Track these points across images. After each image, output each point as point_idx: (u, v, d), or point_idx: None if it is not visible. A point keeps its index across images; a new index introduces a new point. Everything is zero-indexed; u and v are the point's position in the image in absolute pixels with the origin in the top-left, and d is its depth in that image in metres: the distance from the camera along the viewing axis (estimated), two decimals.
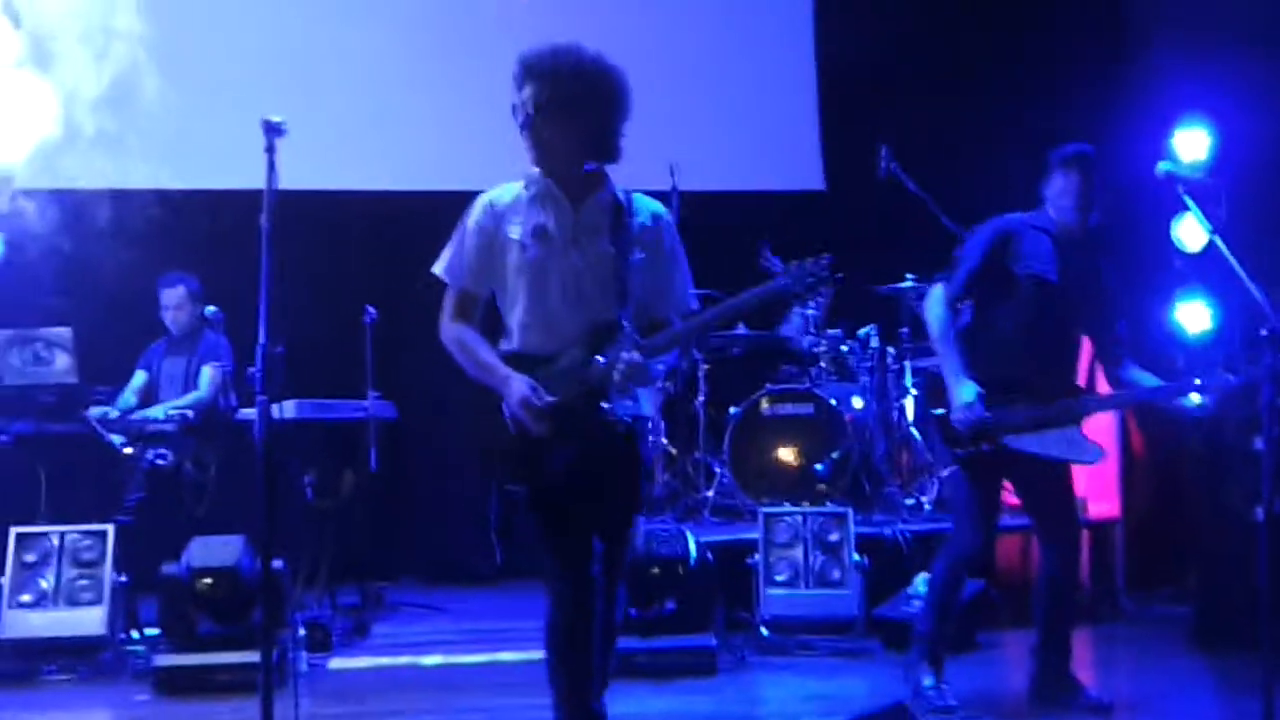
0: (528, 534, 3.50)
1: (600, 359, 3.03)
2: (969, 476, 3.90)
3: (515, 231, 3.13)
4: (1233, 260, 3.42)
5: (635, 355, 2.99)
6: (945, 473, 3.88)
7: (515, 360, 3.11)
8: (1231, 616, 4.78)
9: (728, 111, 7.28)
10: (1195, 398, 3.83)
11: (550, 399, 3.01)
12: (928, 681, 3.92)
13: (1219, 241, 3.52)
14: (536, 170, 3.14)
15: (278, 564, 4.45)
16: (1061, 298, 3.89)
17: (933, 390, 3.95)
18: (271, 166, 3.12)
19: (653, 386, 3.14)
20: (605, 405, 3.04)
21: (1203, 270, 5.74)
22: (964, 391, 3.76)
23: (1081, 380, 4.18)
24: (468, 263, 3.19)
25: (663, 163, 6.11)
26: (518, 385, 3.01)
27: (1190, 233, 5.65)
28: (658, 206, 3.25)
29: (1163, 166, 3.66)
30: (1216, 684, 4.49)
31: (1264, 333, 3.27)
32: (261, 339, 2.91)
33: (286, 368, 4.32)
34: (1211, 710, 4.15)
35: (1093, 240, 4.00)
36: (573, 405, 3.03)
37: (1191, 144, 5.77)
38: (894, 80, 7.02)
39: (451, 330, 3.20)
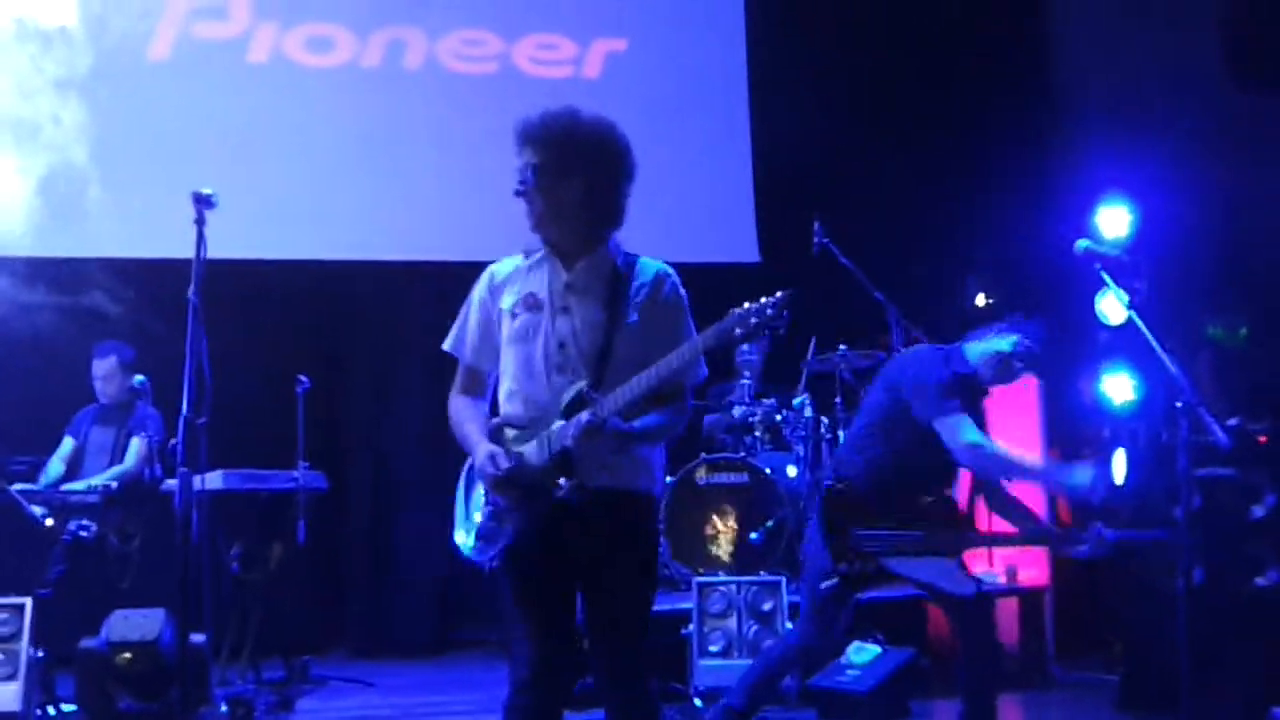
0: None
1: (562, 423, 2.86)
2: (836, 590, 3.93)
3: (508, 302, 3.04)
4: (1148, 334, 3.51)
5: (588, 416, 2.79)
6: (825, 585, 3.94)
7: (497, 430, 2.99)
8: (1156, 683, 4.84)
9: (662, 183, 7.32)
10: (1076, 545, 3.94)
11: (507, 465, 2.86)
12: None
13: (1135, 317, 3.61)
14: (538, 239, 3.04)
15: (200, 638, 4.36)
16: None
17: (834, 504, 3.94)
18: (201, 238, 3.11)
19: (638, 454, 2.93)
20: (562, 480, 2.83)
21: (1126, 342, 5.87)
22: (1082, 474, 3.86)
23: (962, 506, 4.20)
24: (468, 337, 3.11)
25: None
26: (481, 451, 2.91)
27: (1112, 306, 5.79)
28: (661, 267, 3.07)
29: (1081, 244, 3.75)
30: None
31: (1179, 404, 3.35)
32: (184, 410, 2.88)
33: (213, 438, 4.28)
34: None
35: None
36: (538, 472, 2.87)
37: (1113, 220, 5.95)
38: (828, 154, 7.18)
39: (452, 404, 3.09)
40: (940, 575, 3.90)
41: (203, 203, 3.09)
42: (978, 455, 3.87)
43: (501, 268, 3.12)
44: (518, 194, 2.99)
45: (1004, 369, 4.09)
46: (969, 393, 4.01)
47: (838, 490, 3.94)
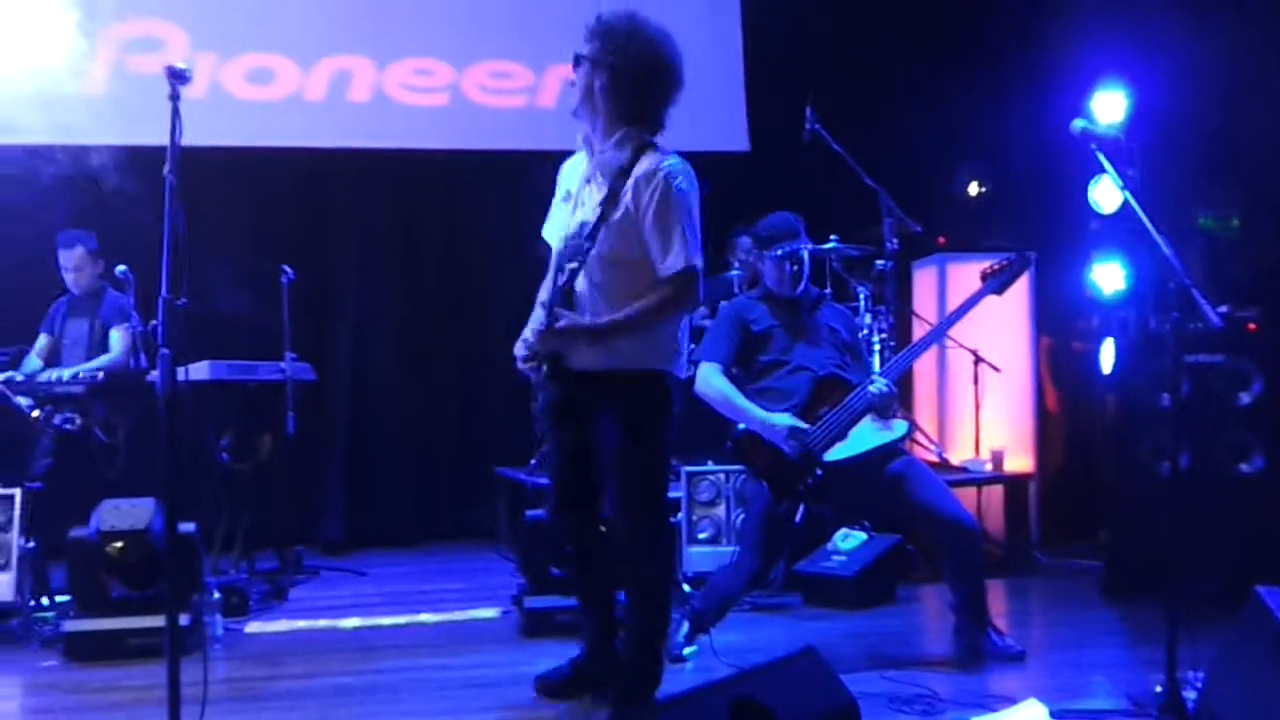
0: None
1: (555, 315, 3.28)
2: (776, 507, 4.03)
3: (560, 191, 3.48)
4: (1144, 217, 3.46)
5: (544, 322, 3.28)
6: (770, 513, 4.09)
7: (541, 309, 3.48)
8: (1140, 569, 4.91)
9: None
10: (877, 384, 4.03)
11: (523, 348, 3.36)
12: (683, 632, 4.13)
13: (1131, 199, 3.55)
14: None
15: (189, 527, 4.37)
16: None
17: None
18: (176, 114, 3.01)
19: (626, 340, 3.26)
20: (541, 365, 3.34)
21: (1117, 232, 5.83)
22: (782, 420, 3.95)
23: None
24: (547, 221, 3.53)
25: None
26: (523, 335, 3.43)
27: (1106, 194, 5.73)
28: (661, 164, 3.22)
29: (1078, 124, 3.66)
30: (1125, 633, 4.60)
31: (1172, 287, 3.31)
32: (164, 291, 2.82)
33: (200, 329, 4.23)
34: (1120, 658, 4.25)
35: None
36: (547, 356, 3.33)
37: (1109, 106, 5.85)
38: (820, 41, 7.03)
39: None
40: (871, 437, 3.99)
41: (178, 78, 2.98)
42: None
43: (572, 160, 3.49)
44: (576, 81, 3.31)
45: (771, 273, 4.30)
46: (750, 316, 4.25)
47: (736, 437, 4.07)
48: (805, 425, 3.97)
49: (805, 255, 4.26)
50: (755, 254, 4.41)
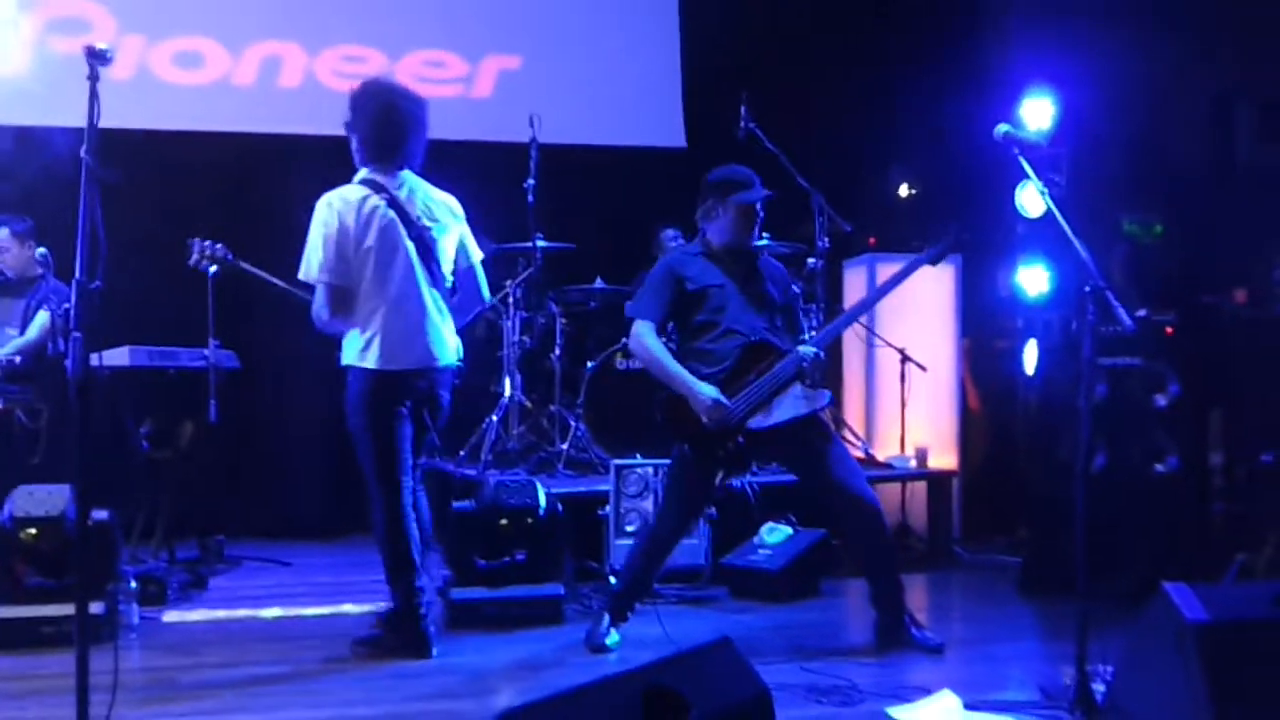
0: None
1: None
2: (696, 470, 4.10)
3: None
4: (1063, 221, 3.53)
5: None
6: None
7: None
8: (1056, 566, 5.00)
9: (591, 66, 7.25)
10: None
11: None
12: (604, 623, 4.19)
13: (1051, 204, 3.62)
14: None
15: (104, 515, 4.29)
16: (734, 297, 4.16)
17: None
18: (94, 96, 2.95)
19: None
20: None
21: (1043, 236, 5.94)
22: (706, 392, 3.97)
23: None
24: None
25: (523, 113, 6.04)
26: None
27: (1031, 199, 5.83)
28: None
29: (1001, 128, 3.72)
30: (1040, 627, 4.70)
31: (1087, 289, 3.39)
32: (78, 274, 2.77)
33: (122, 315, 4.17)
34: (1034, 651, 4.34)
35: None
36: None
37: (1037, 112, 5.95)
38: (756, 41, 7.08)
39: None
40: (796, 405, 4.04)
41: (97, 58, 2.93)
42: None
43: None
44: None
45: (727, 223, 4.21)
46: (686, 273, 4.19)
47: (662, 400, 4.09)
48: (727, 402, 3.98)
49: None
50: (709, 204, 4.20)
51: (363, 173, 4.06)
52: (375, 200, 3.97)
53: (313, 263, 3.93)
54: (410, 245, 4.00)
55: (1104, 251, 5.64)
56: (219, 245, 4.27)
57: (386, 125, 4.00)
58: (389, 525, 4.05)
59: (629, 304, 4.43)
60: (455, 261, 4.21)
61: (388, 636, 4.09)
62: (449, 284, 4.18)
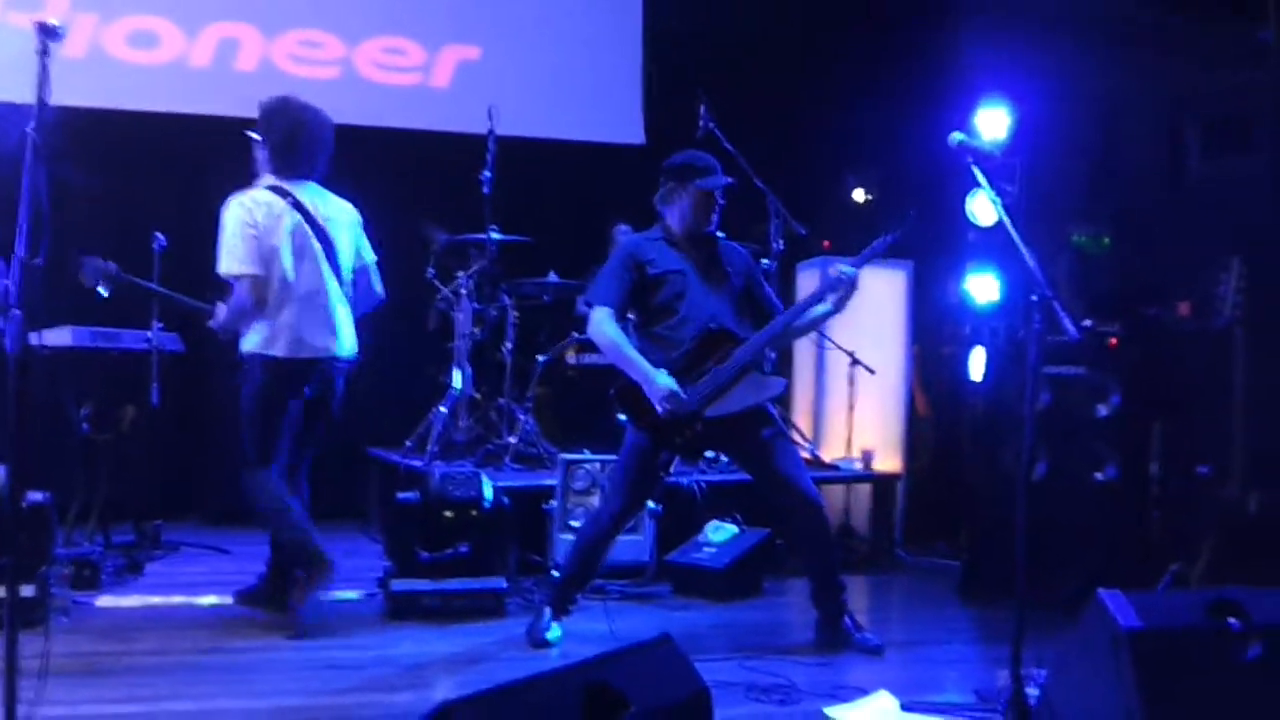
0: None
1: None
2: (644, 457, 4.10)
3: None
4: (1013, 230, 3.55)
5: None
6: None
7: None
8: (996, 571, 5.06)
9: (551, 59, 7.23)
10: (822, 306, 4.14)
11: None
12: (545, 617, 4.18)
13: (1003, 213, 3.64)
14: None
15: (40, 496, 4.21)
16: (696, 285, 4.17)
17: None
18: (44, 71, 2.89)
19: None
20: None
21: (993, 244, 5.99)
22: (663, 382, 3.98)
23: None
24: None
25: (482, 105, 6.01)
26: None
27: (982, 208, 5.88)
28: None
29: (955, 137, 3.73)
30: (978, 631, 4.74)
31: (1034, 297, 3.42)
32: (19, 251, 2.71)
33: (67, 295, 4.10)
34: (972, 654, 4.39)
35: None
36: None
37: (992, 122, 6.00)
38: (716, 42, 7.10)
39: None
40: (751, 392, 4.07)
41: (49, 34, 2.87)
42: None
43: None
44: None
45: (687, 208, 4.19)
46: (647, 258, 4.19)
47: (620, 387, 4.11)
48: (682, 393, 3.98)
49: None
50: (669, 188, 4.19)
51: (268, 178, 4.39)
52: (282, 204, 4.31)
53: (235, 257, 4.22)
54: (316, 245, 4.35)
55: (1051, 262, 5.72)
56: (111, 264, 4.39)
57: (296, 141, 4.35)
58: (274, 499, 4.31)
59: (580, 298, 4.43)
60: (353, 261, 4.54)
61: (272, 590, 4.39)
62: (349, 280, 4.51)
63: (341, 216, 4.49)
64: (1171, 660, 2.87)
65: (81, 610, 4.43)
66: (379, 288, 4.63)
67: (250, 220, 4.23)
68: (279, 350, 4.27)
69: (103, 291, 4.43)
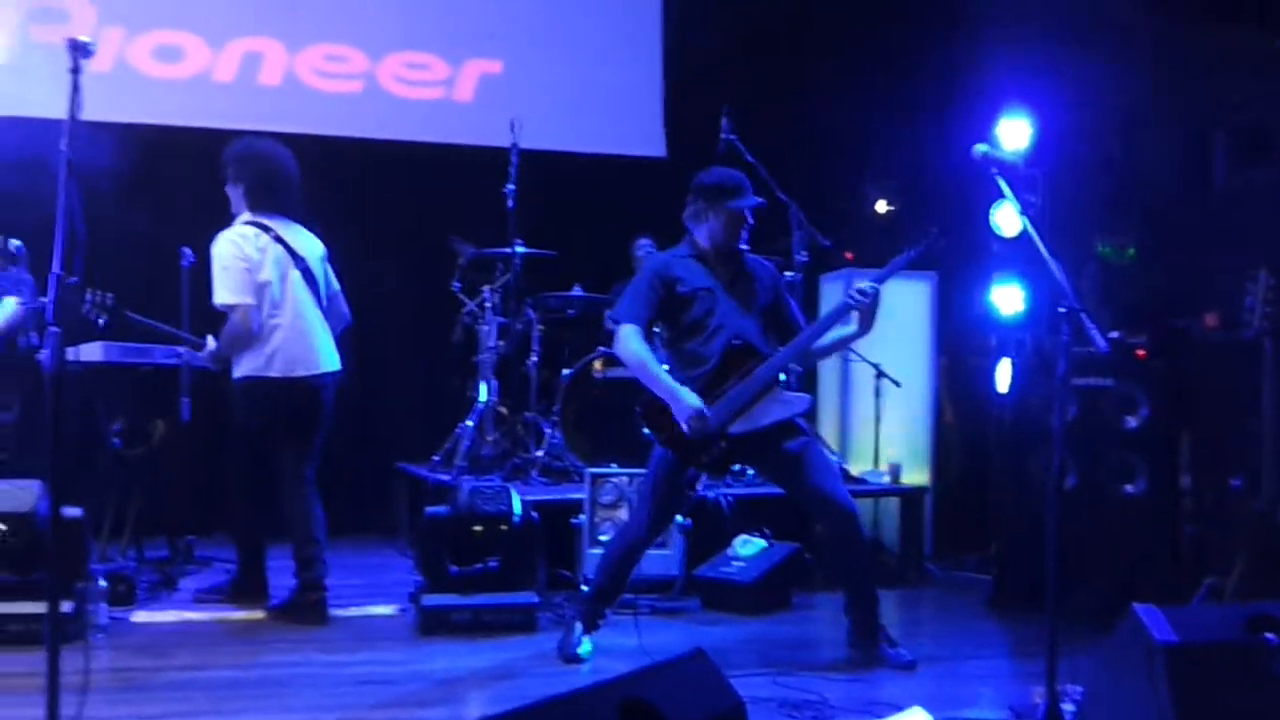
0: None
1: None
2: (671, 472, 4.11)
3: None
4: (1039, 242, 3.55)
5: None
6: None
7: None
8: (1026, 583, 5.04)
9: (572, 73, 7.26)
10: (848, 328, 4.15)
11: None
12: (576, 632, 4.19)
13: (1028, 224, 3.64)
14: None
15: (75, 512, 4.25)
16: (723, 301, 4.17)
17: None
18: (76, 89, 2.92)
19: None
20: None
21: (1018, 255, 5.98)
22: (689, 400, 3.98)
23: None
24: None
25: (504, 119, 6.05)
26: None
27: (1007, 218, 5.87)
28: None
29: (979, 149, 3.74)
30: (1010, 645, 4.73)
31: (1061, 309, 3.41)
32: (55, 268, 2.74)
33: (82, 300, 4.16)
34: (1004, 669, 4.37)
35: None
36: None
37: (1014, 133, 6.00)
38: (737, 53, 7.12)
39: None
40: (775, 409, 4.06)
41: (80, 51, 2.90)
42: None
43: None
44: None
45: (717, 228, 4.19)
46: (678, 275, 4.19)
47: (646, 404, 4.11)
48: (708, 412, 3.99)
49: None
50: (699, 207, 4.19)
51: (246, 216, 4.71)
52: (266, 238, 4.65)
53: (229, 288, 4.55)
54: (297, 273, 4.70)
55: (1076, 272, 5.71)
56: (109, 295, 4.56)
57: (271, 182, 4.73)
58: (254, 506, 4.82)
59: (609, 313, 4.44)
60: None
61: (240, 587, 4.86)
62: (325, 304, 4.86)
63: (313, 249, 4.84)
64: (1208, 675, 2.86)
65: (118, 625, 4.47)
66: (346, 311, 5.00)
67: (241, 254, 4.58)
68: (275, 371, 4.61)
69: (101, 320, 4.61)
